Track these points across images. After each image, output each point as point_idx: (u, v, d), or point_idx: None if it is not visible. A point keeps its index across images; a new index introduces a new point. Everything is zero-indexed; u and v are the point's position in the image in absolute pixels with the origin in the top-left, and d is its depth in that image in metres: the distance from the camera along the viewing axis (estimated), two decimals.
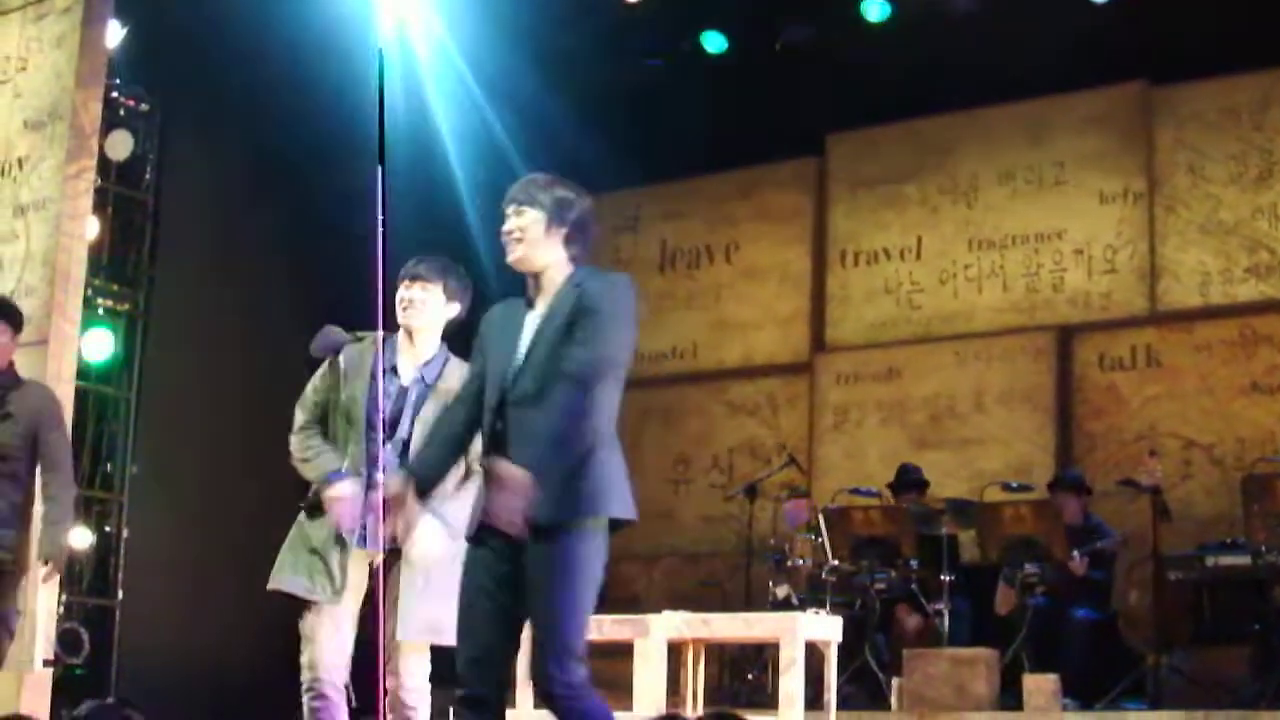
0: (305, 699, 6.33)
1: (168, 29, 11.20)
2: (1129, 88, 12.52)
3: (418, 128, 12.88)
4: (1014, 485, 11.20)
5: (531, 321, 5.30)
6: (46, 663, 8.85)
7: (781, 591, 10.94)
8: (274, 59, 11.62)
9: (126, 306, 11.28)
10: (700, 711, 7.87)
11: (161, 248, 11.45)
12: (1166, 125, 12.37)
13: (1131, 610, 11.12)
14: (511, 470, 4.96)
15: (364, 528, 6.30)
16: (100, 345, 11.01)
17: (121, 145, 11.16)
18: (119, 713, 7.98)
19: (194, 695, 10.55)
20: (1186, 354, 12.03)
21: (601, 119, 13.14)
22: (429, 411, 6.35)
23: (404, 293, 6.47)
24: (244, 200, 11.89)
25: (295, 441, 6.49)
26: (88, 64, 9.63)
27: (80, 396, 9.64)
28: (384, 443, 6.35)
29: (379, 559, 6.32)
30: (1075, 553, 10.34)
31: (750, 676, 11.16)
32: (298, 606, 6.34)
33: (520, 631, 5.23)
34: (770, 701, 8.54)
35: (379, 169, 6.72)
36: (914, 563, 10.89)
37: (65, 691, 9.53)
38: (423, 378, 6.44)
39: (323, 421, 6.48)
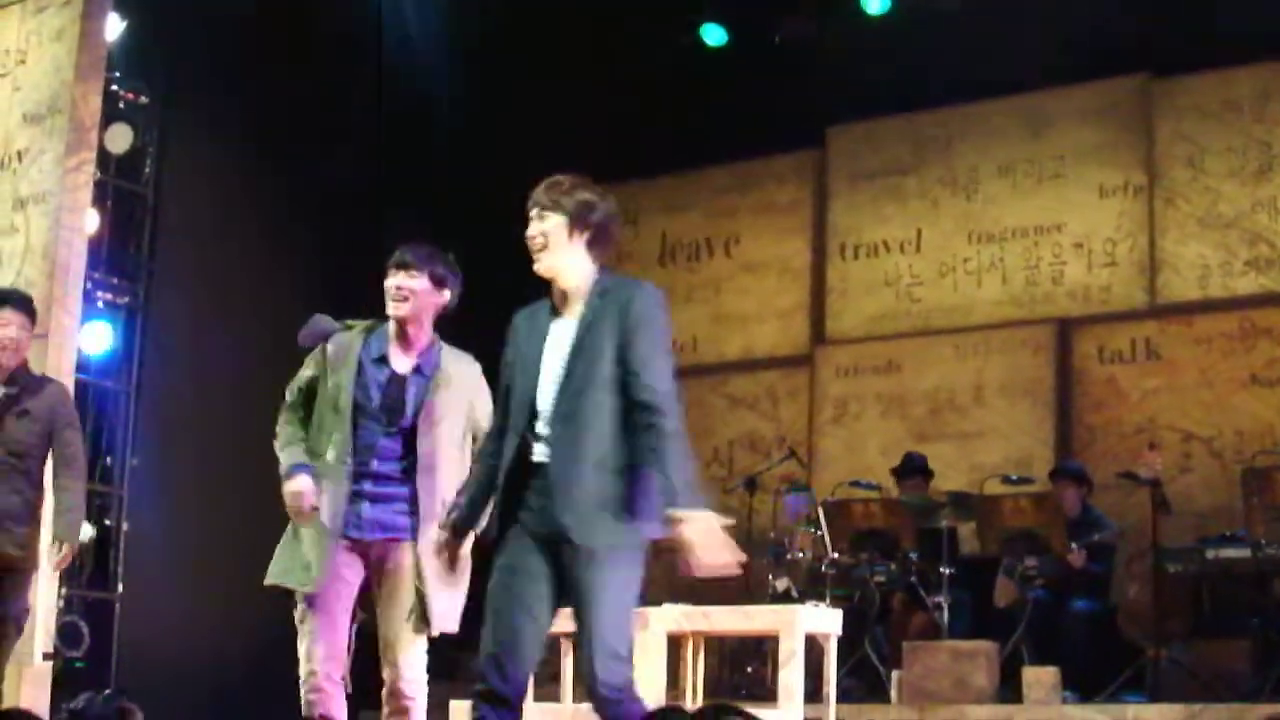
0: (302, 691, 6.34)
1: (167, 22, 11.19)
2: (1129, 80, 12.51)
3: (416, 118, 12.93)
4: (1014, 478, 11.20)
5: (561, 330, 5.34)
6: (46, 656, 8.87)
7: (781, 584, 10.94)
8: (273, 52, 11.62)
9: (126, 300, 11.27)
10: (699, 704, 7.88)
11: (161, 241, 11.44)
12: (1166, 118, 12.36)
13: (1131, 603, 11.13)
14: (702, 521, 5.07)
15: (346, 516, 6.31)
16: (99, 338, 11.01)
17: (121, 138, 11.14)
18: (115, 704, 7.98)
19: (194, 687, 10.55)
20: (1186, 347, 12.03)
21: (601, 112, 13.15)
22: (440, 404, 6.36)
23: (391, 281, 6.46)
24: (243, 193, 11.87)
25: (278, 424, 6.53)
26: (87, 57, 9.64)
27: (79, 390, 9.62)
28: (385, 432, 6.37)
29: (372, 548, 6.34)
30: (1073, 545, 10.35)
31: (750, 669, 11.16)
32: (295, 599, 6.36)
33: (547, 632, 5.29)
34: (770, 694, 8.54)
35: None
36: (914, 555, 10.91)
37: (65, 684, 9.54)
38: (420, 368, 6.44)
39: (307, 407, 6.49)
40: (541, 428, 5.25)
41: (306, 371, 6.54)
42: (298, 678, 6.34)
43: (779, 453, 12.80)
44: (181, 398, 11.33)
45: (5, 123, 9.87)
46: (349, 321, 6.58)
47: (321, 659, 6.32)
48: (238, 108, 11.61)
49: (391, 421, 6.36)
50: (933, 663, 10.06)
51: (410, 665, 6.36)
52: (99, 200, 10.63)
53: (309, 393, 6.50)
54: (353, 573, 6.36)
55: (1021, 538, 10.57)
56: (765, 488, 12.28)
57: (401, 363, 6.46)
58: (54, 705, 8.79)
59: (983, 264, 12.98)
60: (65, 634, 10.22)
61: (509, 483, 5.28)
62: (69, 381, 8.70)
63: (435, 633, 6.38)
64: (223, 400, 11.02)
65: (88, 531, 10.10)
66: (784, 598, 10.67)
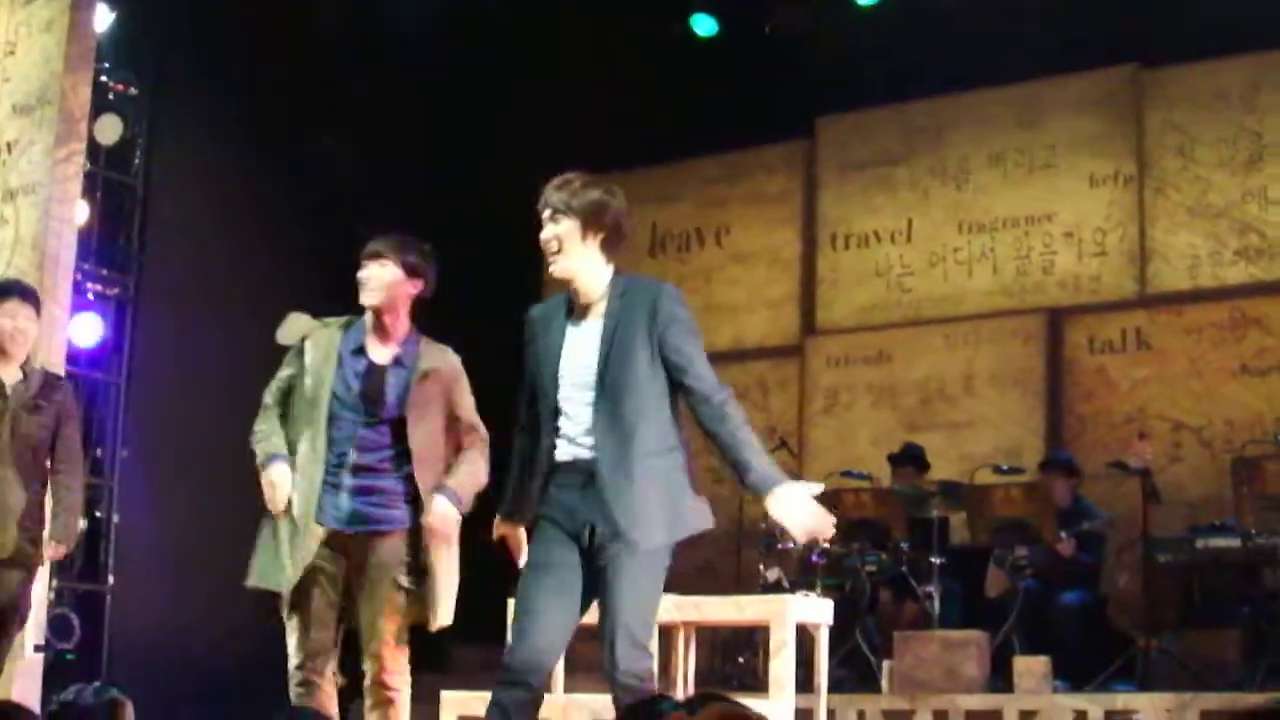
0: (291, 685, 6.34)
1: (156, 13, 11.17)
2: (1119, 70, 12.52)
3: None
4: (1004, 468, 11.22)
5: (582, 332, 5.45)
6: (37, 648, 8.86)
7: (772, 575, 10.94)
8: (263, 43, 11.60)
9: (115, 291, 11.24)
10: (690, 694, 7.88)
11: (150, 232, 11.42)
12: (1157, 108, 12.37)
13: (1121, 593, 11.14)
14: (795, 492, 5.28)
15: (324, 509, 6.31)
16: (89, 330, 10.99)
17: (110, 129, 11.11)
18: (106, 696, 7.94)
19: (185, 679, 10.54)
20: (1176, 337, 12.05)
21: (592, 102, 13.14)
22: (423, 395, 6.36)
23: (363, 272, 6.46)
24: (233, 185, 11.85)
25: (255, 423, 6.53)
26: (76, 48, 9.61)
27: (69, 381, 9.61)
28: (365, 423, 6.36)
29: (352, 541, 6.34)
30: (1062, 534, 10.37)
31: (741, 660, 11.18)
32: (281, 597, 6.37)
33: (573, 626, 5.40)
34: (761, 684, 8.55)
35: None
36: (904, 545, 10.92)
37: (56, 677, 9.53)
38: (400, 359, 6.43)
39: (285, 405, 6.49)
40: (569, 428, 5.37)
41: (284, 371, 6.54)
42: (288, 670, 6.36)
43: (769, 443, 12.76)
44: (171, 390, 11.31)
45: None
46: (326, 319, 6.57)
47: (309, 653, 6.32)
48: (227, 98, 11.58)
49: (371, 413, 6.35)
50: (924, 652, 10.07)
51: (392, 657, 6.35)
52: (88, 191, 10.61)
53: (287, 391, 6.50)
54: (334, 565, 6.35)
55: (1012, 527, 10.59)
56: None
57: (380, 353, 6.44)
58: (45, 697, 8.77)
59: (973, 254, 12.98)
60: (56, 626, 10.20)
61: (539, 482, 5.39)
62: (59, 373, 8.68)
63: (441, 625, 6.40)
64: (213, 392, 10.99)
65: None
66: (775, 588, 10.66)
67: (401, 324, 6.50)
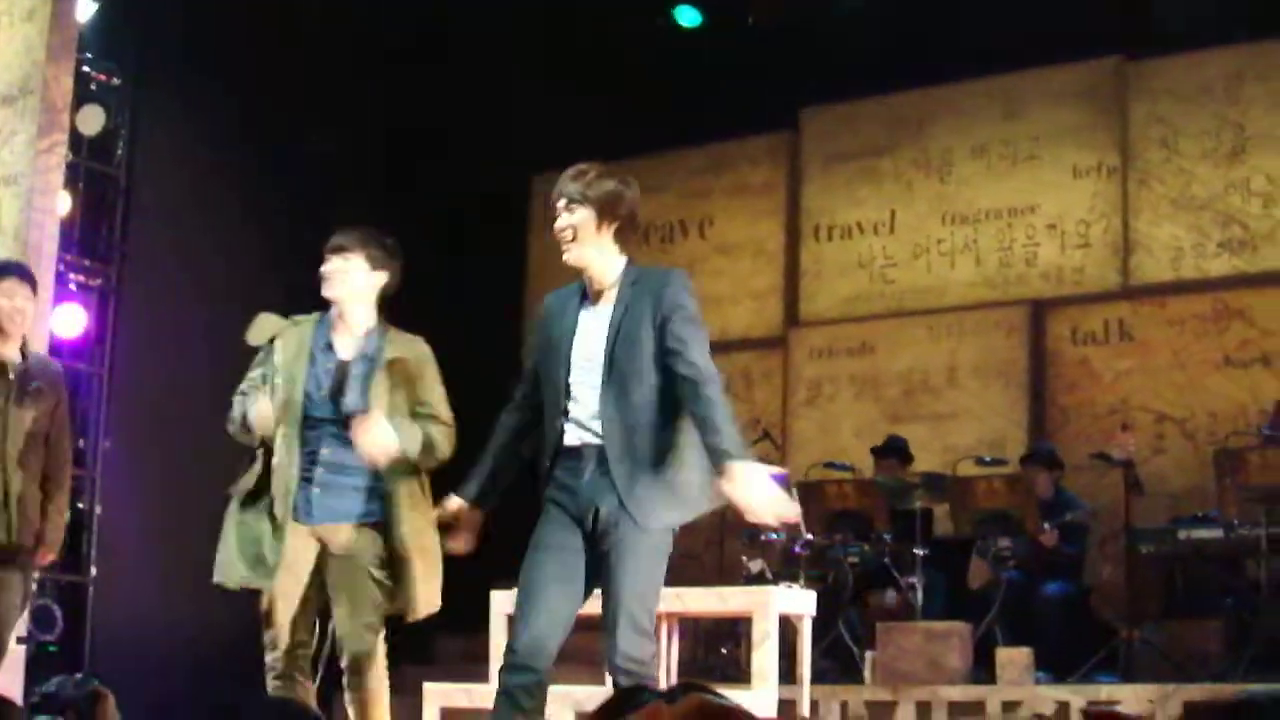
0: (268, 678, 6.35)
1: (138, 2, 11.13)
2: (1103, 62, 12.53)
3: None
4: (987, 459, 11.22)
5: (593, 318, 5.52)
6: (20, 640, 8.83)
7: (755, 566, 10.93)
8: (246, 32, 11.58)
9: (98, 282, 11.21)
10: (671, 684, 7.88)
11: (133, 223, 11.38)
12: (1140, 100, 12.38)
13: (1104, 584, 11.16)
14: (752, 472, 5.19)
15: (296, 503, 6.31)
16: (72, 321, 10.96)
17: (93, 120, 11.08)
18: (88, 688, 7.93)
19: (168, 671, 10.52)
20: (1159, 328, 12.07)
21: (574, 93, 13.13)
22: (381, 388, 6.35)
23: (327, 266, 6.46)
24: (216, 175, 11.82)
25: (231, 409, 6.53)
26: (59, 38, 9.59)
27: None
28: (334, 418, 6.37)
29: (324, 534, 6.34)
30: (1045, 525, 10.38)
31: (724, 651, 11.18)
32: (261, 594, 6.39)
33: (577, 609, 5.43)
34: (744, 675, 8.55)
35: None
36: (887, 536, 10.92)
37: (39, 668, 9.50)
38: (364, 353, 6.42)
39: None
40: (577, 412, 5.43)
41: (254, 372, 6.55)
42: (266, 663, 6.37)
43: (753, 434, 12.80)
44: (154, 380, 11.28)
45: None
46: (295, 318, 6.57)
47: (287, 647, 6.34)
48: (211, 89, 11.56)
49: (339, 407, 6.35)
50: (906, 644, 10.07)
51: (369, 649, 6.35)
52: (71, 182, 10.57)
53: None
54: (308, 559, 6.36)
55: (995, 519, 10.60)
56: None
57: (346, 347, 6.45)
58: (27, 689, 8.76)
59: (956, 245, 12.99)
60: (38, 618, 10.17)
61: (545, 465, 5.45)
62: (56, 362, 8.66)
63: (421, 616, 6.40)
64: (196, 383, 10.94)
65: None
66: (758, 579, 10.65)
67: (367, 317, 6.52)
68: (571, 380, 5.45)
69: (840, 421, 13.13)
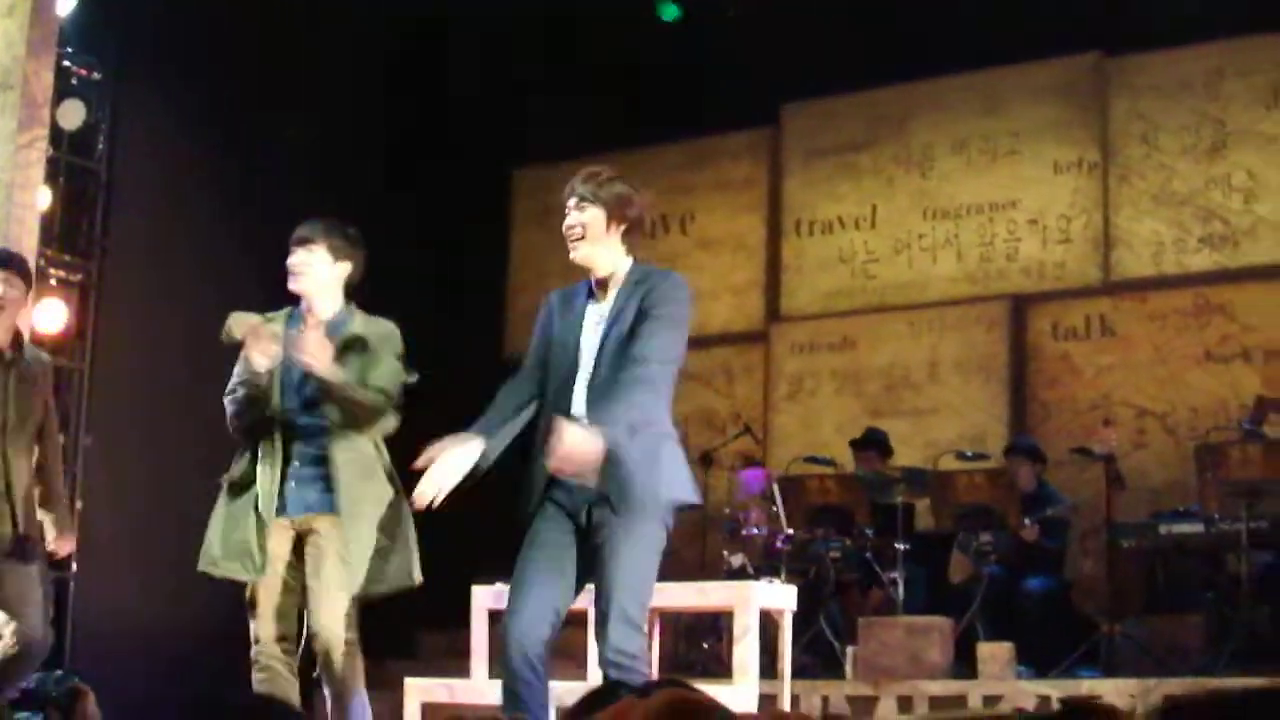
0: (253, 671, 6.37)
1: None
2: (1084, 58, 12.53)
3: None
4: (968, 454, 11.23)
5: (595, 316, 5.64)
6: None
7: (736, 560, 10.95)
8: (227, 26, 11.56)
9: (79, 277, 11.19)
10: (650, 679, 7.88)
11: (114, 218, 11.37)
12: (1121, 96, 12.40)
13: (1085, 579, 11.19)
14: (573, 429, 5.22)
15: (279, 500, 6.33)
16: (52, 316, 10.94)
17: (73, 114, 11.06)
18: (68, 685, 7.94)
19: (148, 667, 10.51)
20: (1140, 323, 12.08)
21: (555, 88, 13.13)
22: (345, 361, 6.34)
23: (292, 259, 6.48)
24: (197, 170, 11.81)
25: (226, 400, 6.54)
26: (39, 32, 9.55)
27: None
28: (304, 411, 6.38)
29: (302, 524, 6.35)
30: (1027, 520, 10.40)
31: (705, 645, 11.17)
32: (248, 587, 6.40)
33: (570, 602, 5.52)
34: (725, 670, 8.55)
35: None
36: (869, 531, 10.93)
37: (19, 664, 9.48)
38: (329, 334, 6.42)
39: None
40: (578, 408, 5.50)
41: (239, 367, 6.52)
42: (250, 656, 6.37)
43: (734, 429, 12.81)
44: (135, 376, 11.27)
45: None
46: (269, 314, 6.57)
47: (269, 639, 6.35)
48: (191, 84, 11.54)
49: (306, 399, 6.37)
50: (888, 638, 10.09)
51: (335, 635, 6.33)
52: (51, 177, 10.54)
53: None
54: (289, 551, 6.39)
55: (976, 513, 10.62)
56: (720, 464, 12.27)
57: None
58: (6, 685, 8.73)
59: (937, 240, 13.00)
60: None
61: (540, 459, 5.45)
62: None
63: (395, 589, 6.39)
64: (176, 378, 10.96)
65: None
66: (739, 574, 10.67)
67: (334, 306, 6.52)
68: (569, 375, 5.57)
69: (821, 416, 13.13)
